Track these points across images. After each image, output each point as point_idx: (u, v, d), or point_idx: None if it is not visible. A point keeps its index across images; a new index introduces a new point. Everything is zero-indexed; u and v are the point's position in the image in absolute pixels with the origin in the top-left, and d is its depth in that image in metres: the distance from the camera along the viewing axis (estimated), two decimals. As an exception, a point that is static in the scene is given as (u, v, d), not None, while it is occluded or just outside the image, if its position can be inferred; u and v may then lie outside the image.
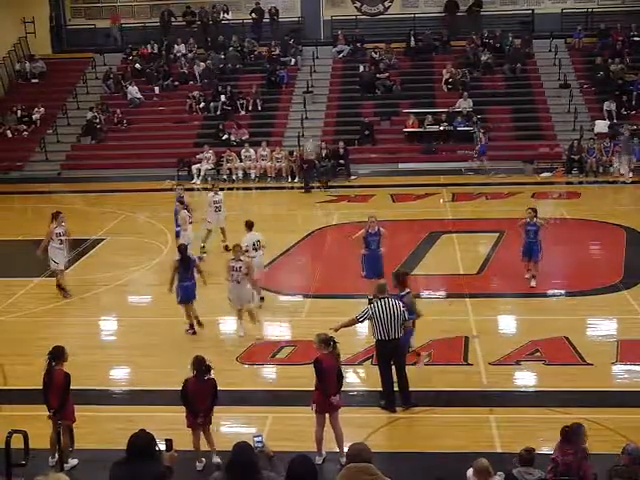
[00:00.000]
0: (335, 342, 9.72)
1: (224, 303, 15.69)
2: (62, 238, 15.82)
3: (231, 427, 10.79)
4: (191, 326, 14.04)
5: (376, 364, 11.28)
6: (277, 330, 14.47)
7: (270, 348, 13.35)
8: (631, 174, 25.97)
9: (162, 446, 6.65)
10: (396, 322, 10.77)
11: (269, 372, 12.79)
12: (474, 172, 26.69)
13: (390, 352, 10.90)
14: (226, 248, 17.79)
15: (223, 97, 30.88)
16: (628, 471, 7.56)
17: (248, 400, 11.45)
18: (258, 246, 15.08)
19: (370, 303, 14.73)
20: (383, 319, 10.75)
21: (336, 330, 10.73)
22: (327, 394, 9.55)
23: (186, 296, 13.82)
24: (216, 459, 9.59)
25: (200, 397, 9.57)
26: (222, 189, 20.08)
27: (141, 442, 6.34)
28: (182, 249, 14.03)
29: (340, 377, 9.80)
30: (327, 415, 9.71)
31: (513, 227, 18.60)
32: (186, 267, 13.75)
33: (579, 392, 11.45)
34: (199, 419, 9.59)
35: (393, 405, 10.96)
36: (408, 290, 11.89)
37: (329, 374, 9.59)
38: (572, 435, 8.07)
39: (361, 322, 11.15)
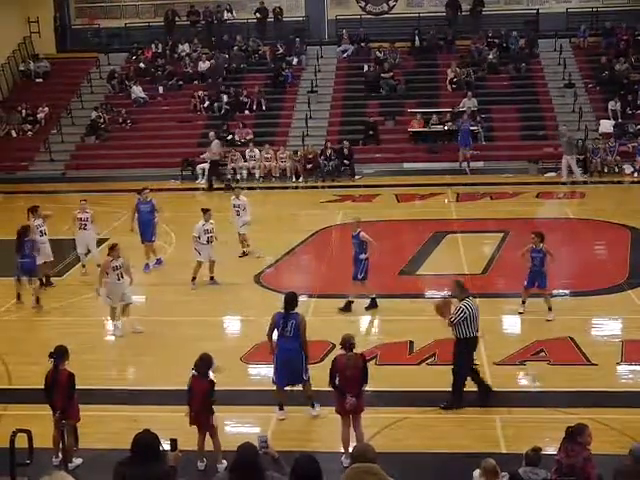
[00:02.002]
0: (352, 344, 9.66)
1: (231, 304, 15.75)
2: (42, 230, 16.44)
3: (235, 427, 10.78)
4: (18, 296, 15.71)
5: (456, 364, 11.08)
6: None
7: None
8: (636, 174, 25.94)
9: (166, 446, 6.64)
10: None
11: (273, 372, 12.76)
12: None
13: (474, 349, 11.06)
14: (243, 254, 18.21)
15: (227, 97, 30.91)
16: (635, 471, 7.51)
17: (252, 400, 11.43)
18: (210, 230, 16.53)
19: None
20: (475, 316, 10.85)
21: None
22: (342, 393, 9.57)
23: (23, 271, 15.54)
24: (222, 464, 9.51)
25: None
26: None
27: (145, 442, 6.33)
28: (20, 231, 15.58)
29: (361, 379, 9.66)
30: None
31: (518, 227, 18.58)
32: (20, 246, 15.40)
33: (584, 392, 11.43)
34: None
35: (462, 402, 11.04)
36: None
37: (340, 375, 9.56)
38: (576, 436, 8.04)
39: (455, 323, 10.80)
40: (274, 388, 10.87)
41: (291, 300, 10.83)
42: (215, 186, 26.41)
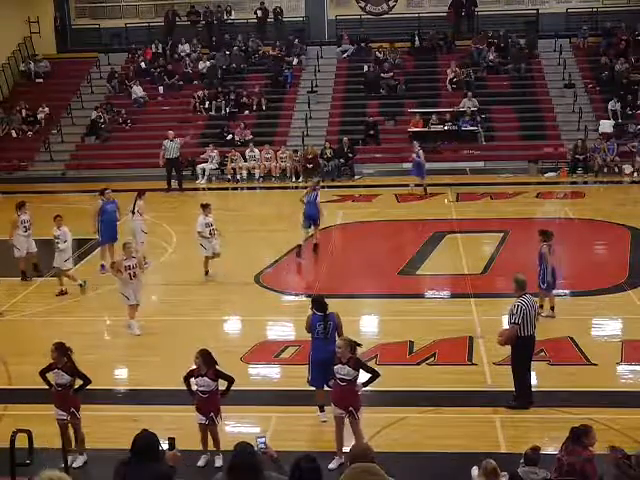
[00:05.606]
0: (356, 346, 9.55)
1: (231, 304, 15.75)
2: (26, 225, 17.09)
3: (235, 427, 10.78)
4: None
5: (514, 363, 11.06)
6: (281, 330, 14.47)
7: (274, 348, 13.35)
8: (636, 174, 25.98)
9: (165, 445, 6.63)
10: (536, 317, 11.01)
11: (273, 372, 12.79)
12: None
13: (533, 347, 11.04)
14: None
15: (227, 97, 30.89)
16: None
17: (252, 400, 11.43)
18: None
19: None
20: (532, 314, 10.79)
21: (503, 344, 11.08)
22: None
23: None
24: (218, 462, 9.55)
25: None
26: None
27: (145, 442, 6.34)
28: None
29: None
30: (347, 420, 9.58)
31: (517, 227, 18.56)
32: None
33: (584, 392, 11.43)
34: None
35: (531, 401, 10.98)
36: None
37: None
38: (581, 437, 8.00)
39: (520, 322, 10.69)
40: (313, 390, 10.71)
41: (323, 302, 10.52)
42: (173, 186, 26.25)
